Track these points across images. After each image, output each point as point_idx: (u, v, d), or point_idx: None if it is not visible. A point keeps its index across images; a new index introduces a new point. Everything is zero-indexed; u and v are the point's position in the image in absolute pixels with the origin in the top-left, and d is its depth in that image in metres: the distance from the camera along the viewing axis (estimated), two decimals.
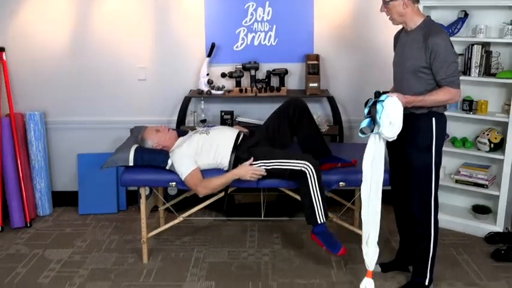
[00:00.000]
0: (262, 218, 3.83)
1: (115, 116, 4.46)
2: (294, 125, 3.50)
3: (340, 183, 3.37)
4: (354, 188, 3.81)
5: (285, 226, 4.15)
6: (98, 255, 3.73)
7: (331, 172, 3.40)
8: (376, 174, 2.95)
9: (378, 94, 2.88)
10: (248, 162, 3.32)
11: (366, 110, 2.91)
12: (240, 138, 3.50)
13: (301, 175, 3.21)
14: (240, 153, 3.40)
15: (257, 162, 3.32)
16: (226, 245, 3.85)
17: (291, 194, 3.48)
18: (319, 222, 3.21)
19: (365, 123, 2.91)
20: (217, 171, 3.42)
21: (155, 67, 4.38)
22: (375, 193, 2.97)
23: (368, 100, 2.93)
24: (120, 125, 4.39)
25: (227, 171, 3.39)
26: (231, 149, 3.42)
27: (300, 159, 3.22)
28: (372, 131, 2.90)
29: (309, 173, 3.19)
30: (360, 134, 2.92)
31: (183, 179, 3.36)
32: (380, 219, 3.01)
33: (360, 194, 3.67)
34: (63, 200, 4.59)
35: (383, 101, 2.80)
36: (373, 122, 2.88)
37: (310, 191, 3.20)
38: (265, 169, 3.30)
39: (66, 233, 4.10)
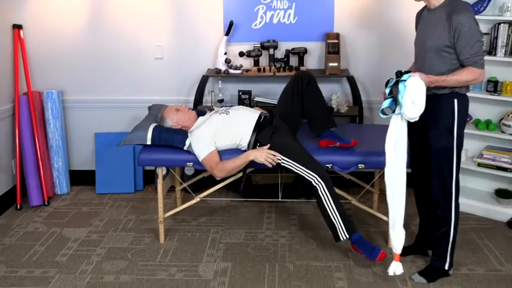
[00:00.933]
0: (280, 199, 3.83)
1: (132, 95, 4.48)
2: (303, 97, 3.50)
3: (360, 165, 3.36)
4: (373, 170, 3.83)
5: (302, 208, 4.15)
6: (115, 234, 3.78)
7: (351, 154, 3.38)
8: (399, 156, 2.92)
9: (399, 74, 2.84)
10: (266, 147, 3.33)
11: (387, 90, 2.88)
12: (262, 120, 3.48)
13: (312, 188, 3.21)
14: (261, 137, 3.39)
15: (275, 154, 3.31)
16: (243, 226, 3.87)
17: None
18: (341, 239, 3.20)
19: (386, 103, 2.88)
20: (236, 152, 3.43)
21: (172, 45, 4.37)
22: (399, 175, 2.95)
23: (389, 80, 2.90)
24: (137, 104, 4.41)
25: (245, 151, 3.40)
26: (252, 130, 3.42)
27: (313, 171, 3.21)
28: (394, 112, 2.88)
29: (320, 190, 3.18)
30: (381, 115, 2.89)
31: (200, 160, 3.38)
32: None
33: (379, 176, 3.71)
34: (81, 179, 4.64)
35: (405, 80, 2.77)
36: (395, 102, 2.85)
37: (326, 208, 3.20)
38: (279, 163, 3.31)
39: (84, 212, 4.16)
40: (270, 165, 3.30)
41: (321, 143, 3.44)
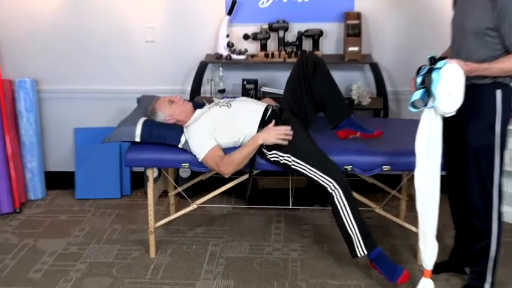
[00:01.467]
0: (291, 206, 3.82)
1: (118, 85, 4.48)
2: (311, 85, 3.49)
3: (384, 166, 3.33)
4: (400, 172, 3.80)
5: (316, 217, 4.14)
6: (98, 247, 3.77)
7: (373, 153, 3.36)
8: (432, 156, 2.90)
9: (433, 60, 2.82)
10: (271, 125, 3.34)
11: (419, 80, 2.86)
12: (268, 114, 3.47)
13: (327, 194, 3.21)
14: None
15: (284, 155, 3.30)
16: (247, 238, 3.86)
17: None
18: (359, 255, 3.20)
19: (417, 95, 2.86)
20: None
21: (166, 27, 4.37)
22: (431, 180, 2.93)
23: (421, 67, 2.88)
24: (124, 95, 4.40)
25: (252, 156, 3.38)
26: (257, 126, 3.40)
27: (328, 175, 3.20)
28: (426, 105, 2.85)
29: (337, 197, 3.18)
30: (410, 108, 2.87)
31: (200, 159, 3.36)
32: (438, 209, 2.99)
33: (407, 179, 3.67)
34: (58, 182, 4.64)
35: (440, 68, 2.76)
36: (428, 93, 2.84)
37: (342, 219, 3.20)
38: (289, 165, 3.30)
39: (61, 221, 4.15)
40: (286, 143, 3.28)
41: (340, 134, 3.45)
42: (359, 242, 3.19)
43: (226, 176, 3.39)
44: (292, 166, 3.29)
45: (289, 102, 3.55)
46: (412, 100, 2.87)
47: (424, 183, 2.95)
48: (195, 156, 3.39)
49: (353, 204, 3.20)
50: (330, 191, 3.19)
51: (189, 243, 3.80)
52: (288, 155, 3.29)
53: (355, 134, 3.43)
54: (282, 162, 3.32)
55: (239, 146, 3.43)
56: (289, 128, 3.30)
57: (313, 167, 3.24)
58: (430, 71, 2.80)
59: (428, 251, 3.03)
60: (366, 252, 3.19)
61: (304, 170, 3.26)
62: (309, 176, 3.25)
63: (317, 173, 3.23)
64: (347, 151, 3.38)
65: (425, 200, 2.97)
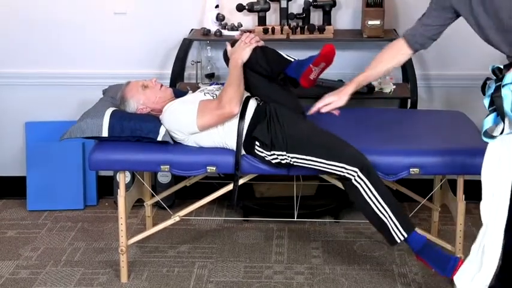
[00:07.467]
0: (296, 218, 3.84)
1: (80, 68, 4.49)
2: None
3: (412, 169, 3.36)
4: (432, 177, 3.85)
5: (328, 231, 4.17)
6: (56, 270, 3.78)
7: (398, 152, 3.38)
8: (502, 186, 2.86)
9: (498, 71, 2.81)
10: (237, 43, 3.47)
11: (487, 102, 2.84)
12: (253, 109, 3.48)
13: (348, 185, 3.27)
14: (258, 133, 3.39)
15: (282, 153, 3.33)
16: (241, 258, 3.88)
17: (338, 184, 3.48)
18: (398, 240, 3.24)
19: (489, 121, 2.82)
20: (223, 152, 3.45)
21: None
22: (496, 213, 2.89)
23: (485, 82, 2.87)
24: (87, 80, 4.42)
25: (235, 151, 3.42)
26: (237, 119, 3.43)
27: (337, 160, 3.24)
28: (502, 132, 2.81)
29: (356, 179, 3.23)
30: (484, 138, 2.82)
31: (197, 129, 3.39)
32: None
33: (440, 185, 3.69)
34: (5, 189, 4.66)
35: (510, 84, 2.73)
36: (501, 116, 2.79)
37: (369, 205, 3.24)
38: (292, 164, 3.35)
39: (9, 238, 4.16)
40: (262, 42, 3.48)
41: (302, 82, 3.45)
42: (395, 225, 3.22)
43: (236, 113, 3.39)
44: (295, 164, 3.35)
45: (261, 97, 3.59)
46: (484, 129, 2.84)
47: (491, 217, 2.90)
48: (184, 142, 3.43)
49: (378, 183, 3.24)
50: (348, 176, 3.23)
51: (170, 265, 3.81)
52: (284, 152, 3.33)
53: (311, 72, 3.41)
54: (284, 163, 3.36)
55: (223, 148, 3.46)
56: (248, 33, 3.49)
57: (315, 156, 3.29)
58: (498, 89, 2.77)
59: None
60: (405, 234, 3.22)
61: (308, 164, 3.31)
62: (317, 170, 3.32)
63: (324, 163, 3.28)
64: (364, 149, 3.35)
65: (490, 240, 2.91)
